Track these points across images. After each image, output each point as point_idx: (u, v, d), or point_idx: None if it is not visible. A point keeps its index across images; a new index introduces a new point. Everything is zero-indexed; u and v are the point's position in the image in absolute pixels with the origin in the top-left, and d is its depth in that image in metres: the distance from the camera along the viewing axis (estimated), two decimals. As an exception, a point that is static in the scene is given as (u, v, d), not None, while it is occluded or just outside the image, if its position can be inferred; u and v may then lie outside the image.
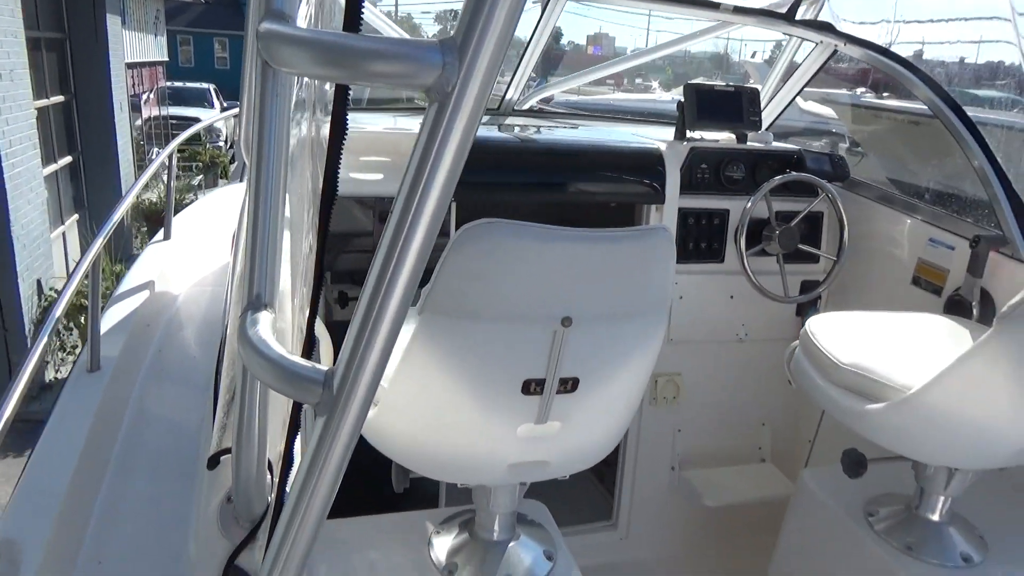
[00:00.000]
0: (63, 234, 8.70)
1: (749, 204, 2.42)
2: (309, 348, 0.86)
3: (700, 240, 2.52)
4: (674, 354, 2.55)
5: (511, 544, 1.63)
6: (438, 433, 1.34)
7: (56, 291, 7.34)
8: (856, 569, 1.82)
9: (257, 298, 0.88)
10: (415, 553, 1.64)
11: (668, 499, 2.68)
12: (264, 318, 0.84)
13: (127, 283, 2.73)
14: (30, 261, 6.99)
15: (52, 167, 8.38)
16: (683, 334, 2.54)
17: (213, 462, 1.21)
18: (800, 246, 2.49)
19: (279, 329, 0.90)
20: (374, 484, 1.93)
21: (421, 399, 1.32)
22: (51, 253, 7.71)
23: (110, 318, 2.37)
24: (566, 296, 1.25)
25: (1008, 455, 1.58)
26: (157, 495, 1.67)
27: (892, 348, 1.79)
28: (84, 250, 2.22)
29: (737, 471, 2.67)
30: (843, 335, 1.86)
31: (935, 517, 1.82)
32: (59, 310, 1.95)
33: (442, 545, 1.65)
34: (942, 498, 1.81)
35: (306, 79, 1.11)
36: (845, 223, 2.47)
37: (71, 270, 6.77)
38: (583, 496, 3.09)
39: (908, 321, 1.96)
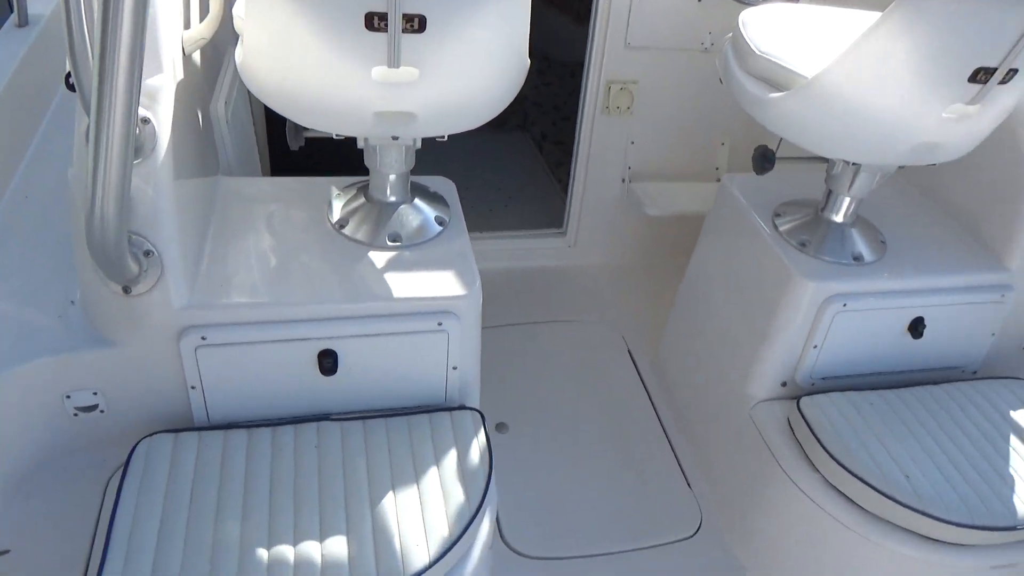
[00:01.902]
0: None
1: None
2: None
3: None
4: (630, 60, 2.46)
5: (403, 206, 1.71)
6: (297, 73, 1.36)
7: None
8: (757, 266, 1.88)
9: None
10: (314, 211, 1.73)
11: (616, 210, 2.74)
12: None
13: None
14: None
15: None
16: (641, 39, 2.43)
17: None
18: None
19: None
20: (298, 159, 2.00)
21: (274, 34, 1.32)
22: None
23: None
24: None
25: (907, 150, 1.55)
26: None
27: (814, 40, 1.70)
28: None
29: (688, 187, 2.68)
30: (772, 26, 1.76)
31: (838, 219, 1.84)
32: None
33: (339, 204, 1.73)
34: (847, 200, 1.81)
35: None
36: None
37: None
38: (540, 205, 3.18)
39: (845, 16, 1.84)
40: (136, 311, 1.42)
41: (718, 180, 2.75)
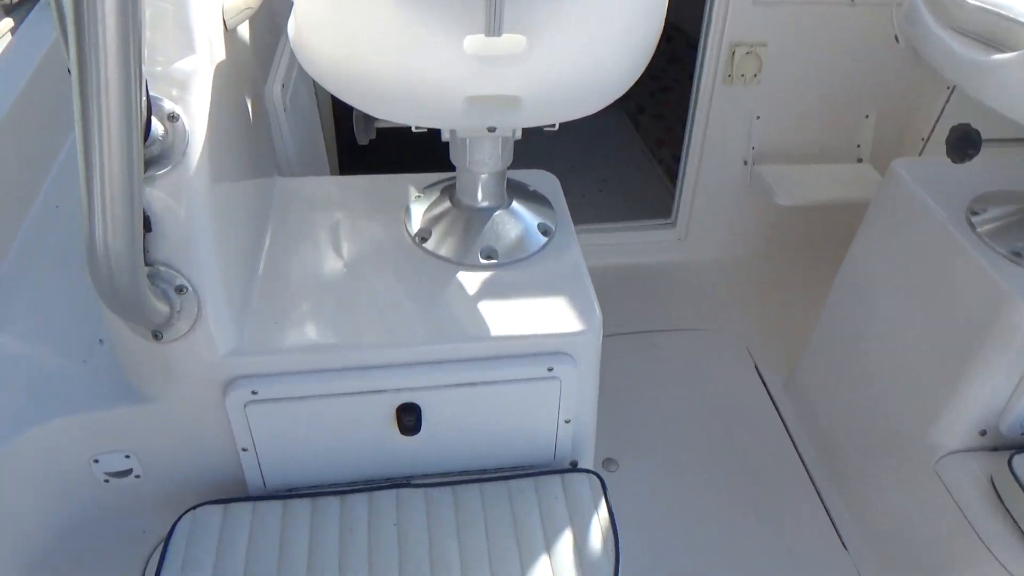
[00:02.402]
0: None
1: None
2: None
3: None
4: (759, 18, 2.04)
5: (498, 212, 1.36)
6: (364, 48, 1.02)
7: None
8: (945, 277, 1.46)
9: None
10: (389, 218, 1.40)
11: (737, 197, 2.33)
12: None
13: None
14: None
15: None
16: None
17: None
18: None
19: None
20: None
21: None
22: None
23: None
24: None
25: None
26: None
27: None
28: None
29: (826, 170, 2.25)
30: None
31: None
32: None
33: (419, 210, 1.40)
34: None
35: None
36: None
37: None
38: (641, 191, 2.79)
39: None
40: (171, 360, 1.13)
41: (859, 160, 2.31)
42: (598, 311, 1.23)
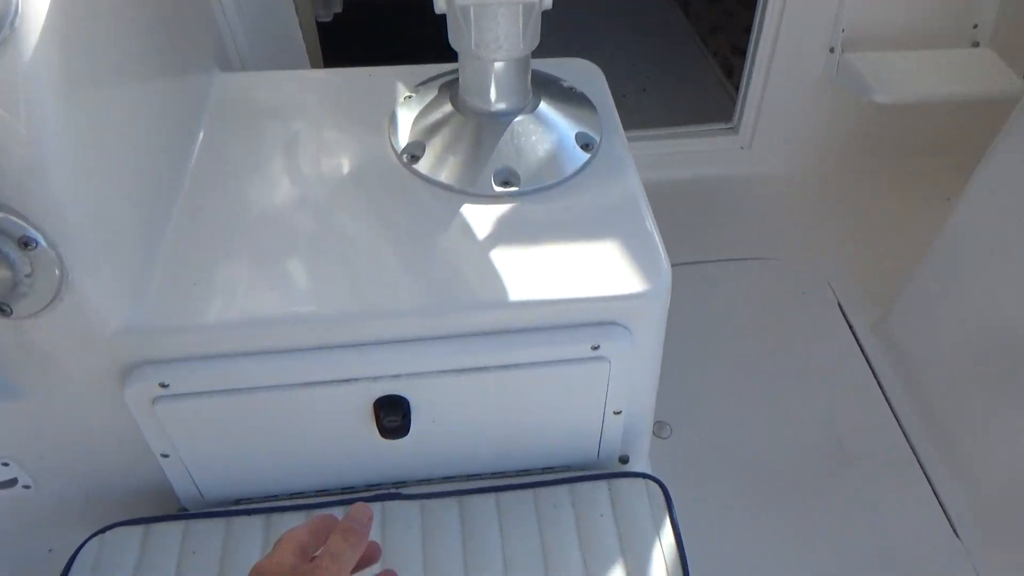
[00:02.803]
0: None
1: None
2: None
3: None
4: None
5: (518, 119, 0.96)
6: None
7: None
8: None
9: None
10: (366, 126, 1.01)
11: (819, 94, 1.88)
12: None
13: None
14: None
15: None
16: None
17: None
18: None
19: None
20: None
21: None
22: None
23: None
24: None
25: None
26: None
27: None
28: None
29: (935, 58, 1.79)
30: None
31: None
32: None
33: (407, 117, 1.00)
34: None
35: None
36: None
37: None
38: (694, 89, 2.34)
39: None
40: (34, 342, 0.77)
41: (975, 43, 1.84)
42: (666, 263, 0.85)
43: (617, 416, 0.92)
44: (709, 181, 2.00)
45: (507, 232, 0.88)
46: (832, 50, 1.81)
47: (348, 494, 0.96)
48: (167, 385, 0.79)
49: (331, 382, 0.82)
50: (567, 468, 0.99)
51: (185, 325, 0.79)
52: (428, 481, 0.98)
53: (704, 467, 1.44)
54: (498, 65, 0.91)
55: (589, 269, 0.84)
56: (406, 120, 1.00)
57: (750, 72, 1.87)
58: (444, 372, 0.83)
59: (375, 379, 0.82)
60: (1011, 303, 1.29)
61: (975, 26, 1.82)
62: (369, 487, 0.97)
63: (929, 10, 1.79)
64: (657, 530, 0.91)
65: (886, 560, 1.32)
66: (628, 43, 2.58)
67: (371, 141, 0.99)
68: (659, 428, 1.50)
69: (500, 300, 0.81)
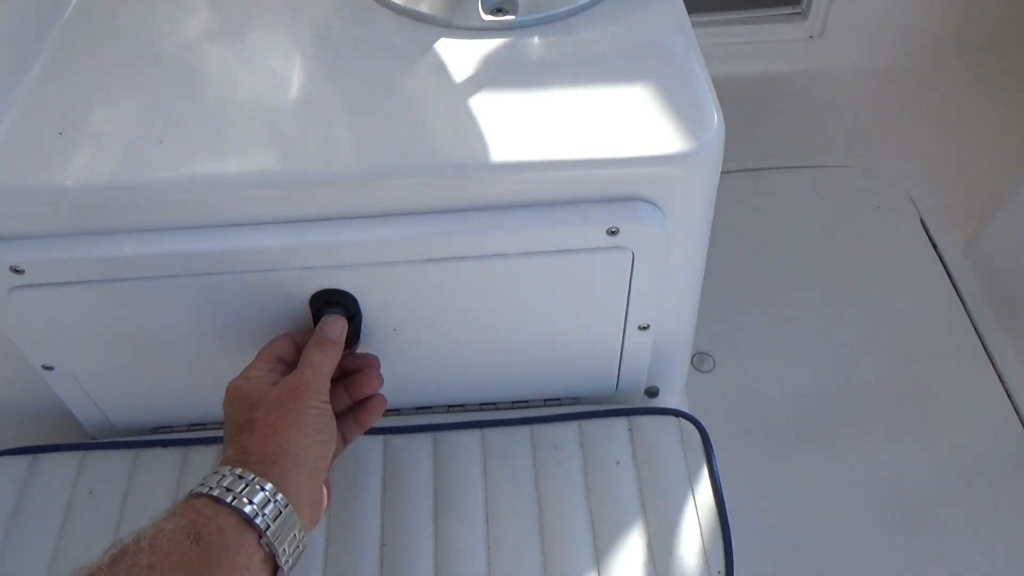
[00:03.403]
0: None
1: None
2: None
3: None
4: None
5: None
6: None
7: None
8: None
9: None
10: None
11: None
12: None
13: None
14: None
15: None
16: None
17: None
18: None
19: None
20: None
21: None
22: None
23: None
24: None
25: None
26: None
27: None
28: None
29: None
30: None
31: None
32: None
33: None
34: None
35: None
36: None
37: None
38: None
39: None
40: None
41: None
42: (717, 117, 0.60)
43: (643, 332, 0.68)
44: (773, 75, 1.70)
45: (495, 75, 0.63)
46: (928, -88, 1.49)
47: None
48: (21, 271, 0.58)
49: (249, 271, 0.60)
50: (576, 401, 0.76)
51: (44, 187, 0.57)
52: (396, 412, 0.76)
53: (752, 407, 1.21)
54: None
55: (604, 124, 0.59)
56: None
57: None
58: (402, 261, 0.60)
59: (308, 269, 0.60)
60: None
61: None
62: None
63: None
64: (691, 482, 0.68)
65: (974, 522, 1.08)
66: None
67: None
68: (700, 360, 1.26)
69: (477, 162, 0.57)
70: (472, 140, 0.58)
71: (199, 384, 0.69)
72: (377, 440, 0.72)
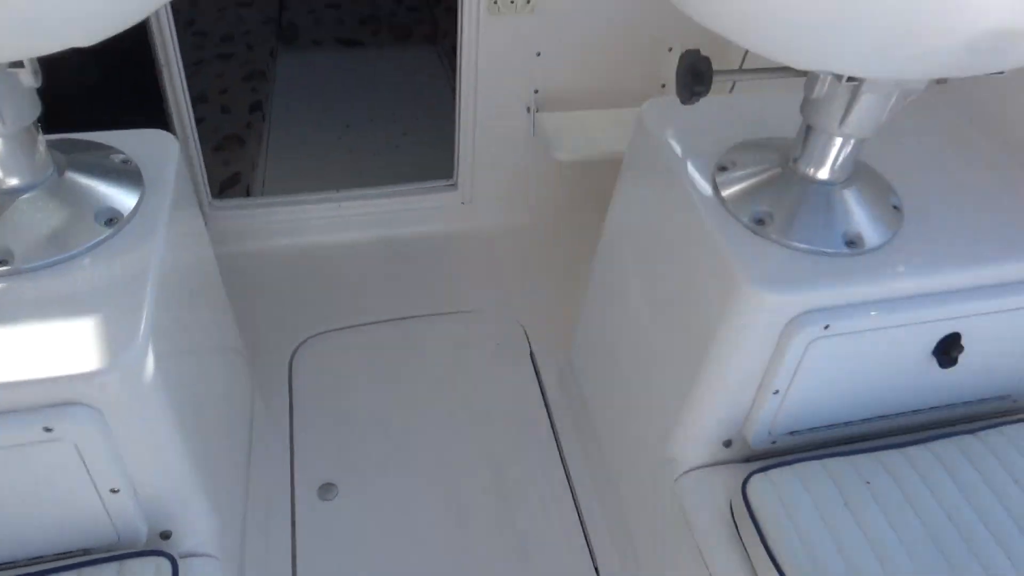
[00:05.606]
0: None
1: None
2: None
3: None
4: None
5: (27, 196, 0.94)
6: None
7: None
8: (686, 253, 1.13)
9: None
10: None
11: (521, 152, 1.96)
12: None
13: None
14: None
15: None
16: None
17: None
18: None
19: None
20: None
21: None
22: None
23: None
24: None
25: (959, 47, 0.76)
26: None
27: None
28: None
29: (620, 116, 1.89)
30: None
31: (823, 174, 1.07)
32: None
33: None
34: (838, 142, 1.03)
35: None
36: None
37: None
38: (437, 144, 2.40)
39: None
40: None
41: (665, 103, 1.95)
42: (141, 340, 0.84)
43: (116, 495, 0.90)
44: (433, 237, 2.04)
45: (-19, 313, 0.86)
46: (528, 110, 1.89)
47: None
48: None
49: None
50: (86, 551, 0.96)
51: None
52: None
53: (367, 531, 1.44)
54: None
55: (49, 349, 0.82)
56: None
57: (459, 131, 1.93)
58: None
59: None
60: (627, 351, 1.35)
61: (663, 86, 1.94)
62: None
63: (618, 72, 1.89)
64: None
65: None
66: (399, 97, 2.65)
67: None
68: (325, 491, 1.49)
69: None
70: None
71: None
72: None
